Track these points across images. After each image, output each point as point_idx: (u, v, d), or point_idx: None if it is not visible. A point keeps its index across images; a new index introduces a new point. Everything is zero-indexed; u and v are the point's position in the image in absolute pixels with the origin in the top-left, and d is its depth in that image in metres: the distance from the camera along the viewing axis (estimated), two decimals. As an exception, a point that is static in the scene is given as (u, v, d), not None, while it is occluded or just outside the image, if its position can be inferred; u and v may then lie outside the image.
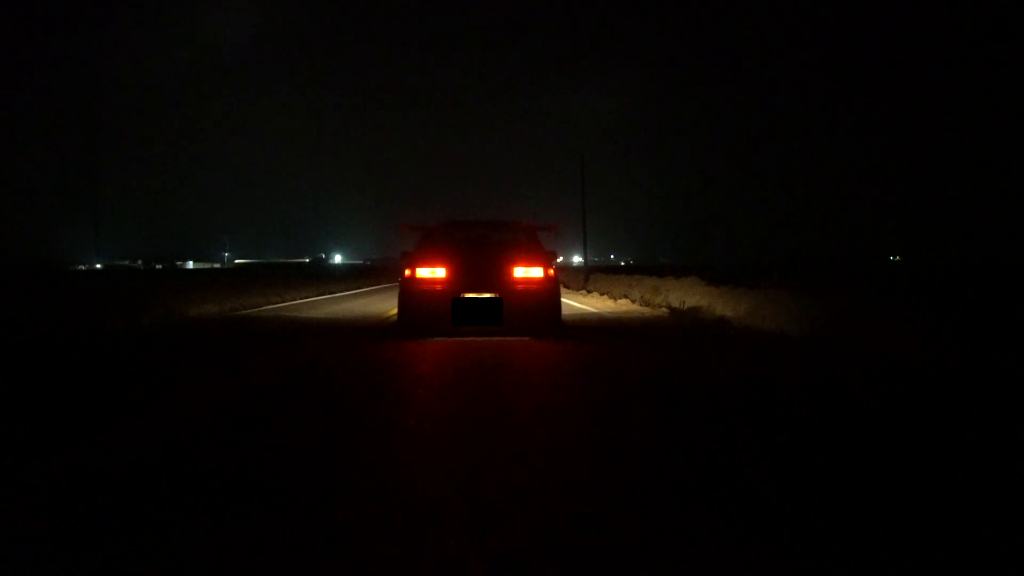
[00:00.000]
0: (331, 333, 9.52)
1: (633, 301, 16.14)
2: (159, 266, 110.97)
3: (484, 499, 2.57)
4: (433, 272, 8.40)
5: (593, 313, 13.37)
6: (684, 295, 13.52)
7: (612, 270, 38.09)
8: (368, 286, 28.19)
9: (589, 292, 21.11)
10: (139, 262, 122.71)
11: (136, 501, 2.62)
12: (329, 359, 6.96)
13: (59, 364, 6.53)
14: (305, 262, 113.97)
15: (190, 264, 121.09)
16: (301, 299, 18.65)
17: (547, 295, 8.59)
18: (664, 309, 13.39)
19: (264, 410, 4.46)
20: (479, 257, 8.72)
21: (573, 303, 16.05)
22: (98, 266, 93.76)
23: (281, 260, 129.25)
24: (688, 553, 2.12)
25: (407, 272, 8.57)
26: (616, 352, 7.55)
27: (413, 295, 8.47)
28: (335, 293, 22.28)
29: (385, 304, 15.55)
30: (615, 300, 17.18)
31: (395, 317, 9.47)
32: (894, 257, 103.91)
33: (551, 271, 8.71)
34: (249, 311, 14.01)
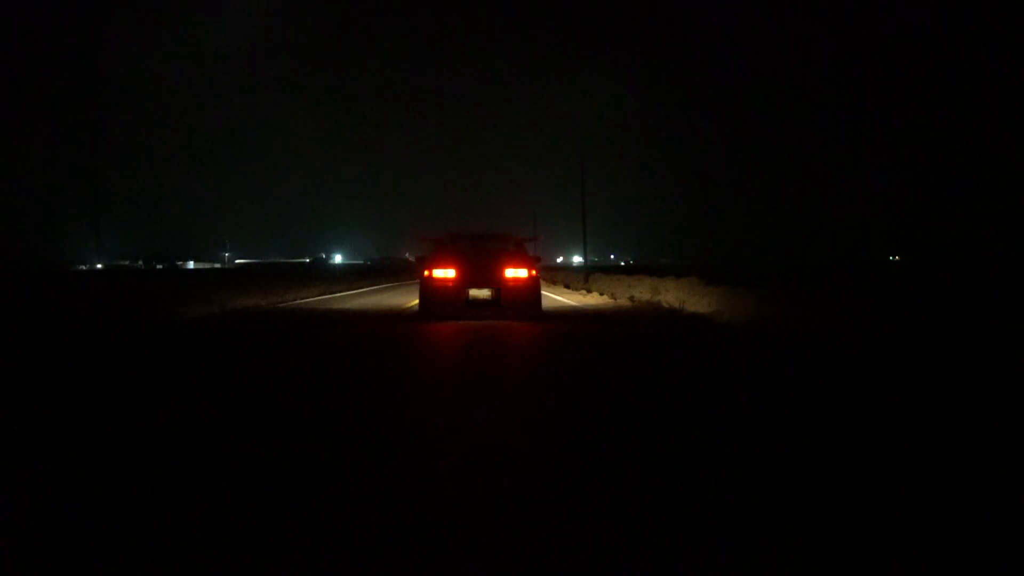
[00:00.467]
0: (370, 318, 12.69)
1: (631, 299, 16.89)
2: (160, 266, 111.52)
3: (482, 379, 5.79)
4: (445, 273, 11.59)
5: (589, 306, 16.31)
6: (685, 294, 14.24)
7: (612, 270, 38.37)
8: (378, 284, 31.37)
9: (589, 292, 22.15)
10: (140, 262, 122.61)
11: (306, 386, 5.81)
12: (378, 332, 10.12)
13: (190, 340, 9.70)
14: (305, 262, 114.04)
15: (191, 264, 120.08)
16: (327, 295, 21.82)
17: (531, 290, 11.77)
18: (665, 305, 14.47)
19: (344, 358, 7.64)
20: (479, 261, 11.88)
21: (571, 302, 17.85)
22: (99, 266, 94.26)
23: (281, 260, 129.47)
24: (595, 400, 5.28)
25: (425, 273, 11.75)
26: (579, 329, 10.72)
27: (430, 290, 11.66)
28: (353, 290, 25.44)
29: (401, 299, 18.75)
30: (615, 299, 18.01)
31: (413, 308, 12.64)
32: (894, 257, 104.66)
33: (533, 272, 11.88)
34: (289, 304, 17.18)
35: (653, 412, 4.39)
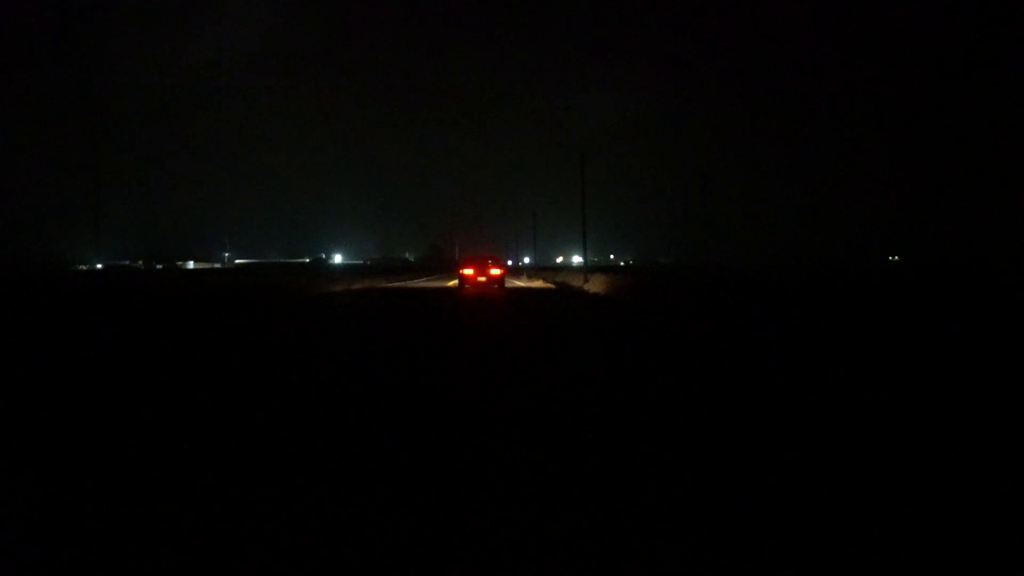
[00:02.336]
0: (436, 289, 30.05)
1: (559, 284, 33.59)
2: (159, 266, 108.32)
3: (482, 300, 23.58)
4: (469, 270, 29.23)
5: (531, 287, 33.98)
6: (597, 282, 30.93)
7: (611, 270, 40.54)
8: (402, 280, 48.06)
9: (589, 293, 27.41)
10: (139, 262, 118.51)
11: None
12: (448, 292, 27.59)
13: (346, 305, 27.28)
14: (305, 262, 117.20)
15: (190, 264, 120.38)
16: (387, 283, 38.34)
17: (502, 278, 29.35)
18: (587, 288, 32.31)
19: (444, 298, 25.27)
20: (482, 265, 29.25)
21: (522, 284, 35.64)
22: (99, 266, 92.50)
23: (281, 260, 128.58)
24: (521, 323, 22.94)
25: (461, 270, 29.52)
26: (517, 293, 28.29)
27: (463, 277, 29.27)
28: (398, 282, 42.30)
29: (439, 283, 35.69)
30: (552, 284, 34.70)
31: (451, 286, 30.51)
32: (893, 257, 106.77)
33: (504, 270, 29.61)
34: (375, 287, 34.22)
35: (525, 304, 21.84)
